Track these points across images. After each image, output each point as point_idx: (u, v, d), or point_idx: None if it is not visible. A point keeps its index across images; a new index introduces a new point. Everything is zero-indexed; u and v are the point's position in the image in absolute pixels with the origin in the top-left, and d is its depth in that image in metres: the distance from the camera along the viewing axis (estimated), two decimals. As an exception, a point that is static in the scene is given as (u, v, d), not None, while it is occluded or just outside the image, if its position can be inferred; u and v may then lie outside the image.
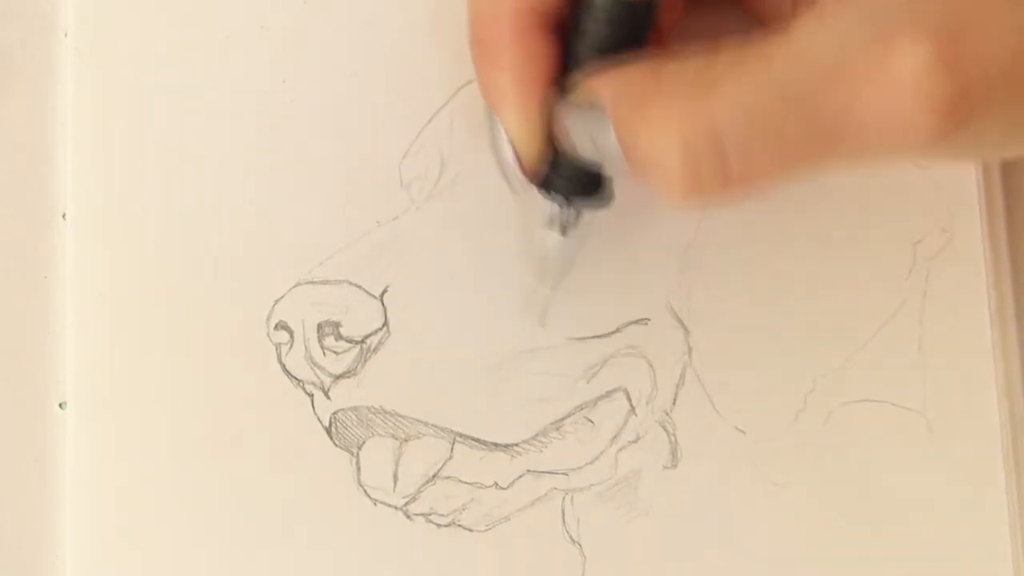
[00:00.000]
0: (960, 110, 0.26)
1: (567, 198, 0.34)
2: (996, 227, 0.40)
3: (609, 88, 0.30)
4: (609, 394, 0.38)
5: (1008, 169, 0.40)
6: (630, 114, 0.29)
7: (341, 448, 0.38)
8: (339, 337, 0.38)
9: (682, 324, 0.38)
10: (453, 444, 0.38)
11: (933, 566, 0.38)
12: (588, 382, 0.38)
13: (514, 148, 0.33)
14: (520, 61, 0.31)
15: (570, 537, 0.38)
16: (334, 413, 0.38)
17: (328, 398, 0.38)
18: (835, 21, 0.27)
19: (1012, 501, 0.38)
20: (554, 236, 0.35)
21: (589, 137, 0.31)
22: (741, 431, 0.38)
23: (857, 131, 0.27)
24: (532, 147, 0.33)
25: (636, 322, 0.38)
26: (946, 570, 0.38)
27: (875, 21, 0.26)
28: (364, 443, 0.38)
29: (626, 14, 0.31)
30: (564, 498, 0.38)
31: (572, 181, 0.34)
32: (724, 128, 0.27)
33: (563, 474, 0.38)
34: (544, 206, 0.35)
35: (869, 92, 0.26)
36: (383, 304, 0.38)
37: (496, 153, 0.34)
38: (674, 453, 0.38)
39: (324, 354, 0.38)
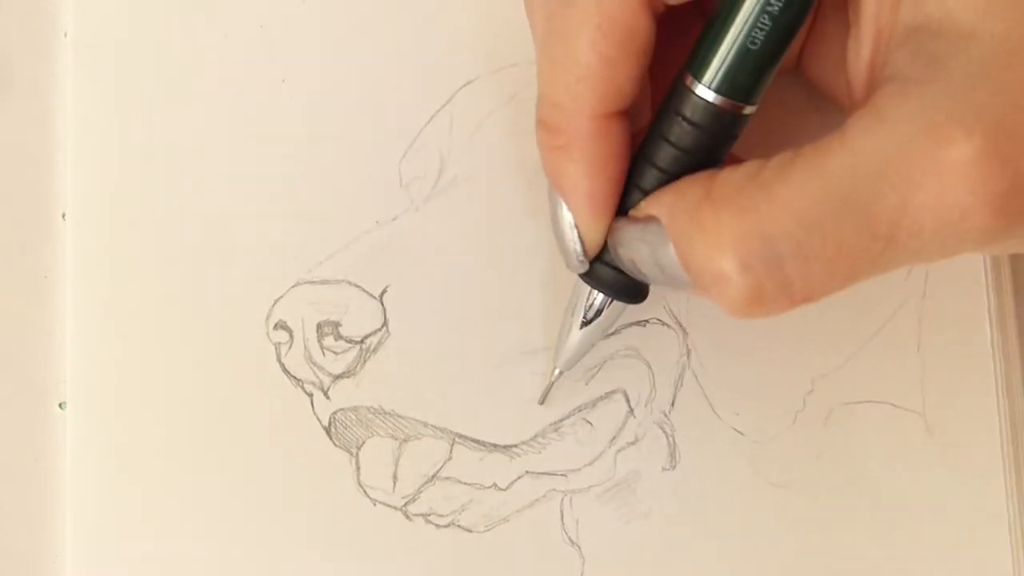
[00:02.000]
0: (1015, 203, 0.26)
1: (605, 292, 0.34)
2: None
3: (666, 201, 0.29)
4: (608, 395, 0.38)
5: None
6: (685, 227, 0.28)
7: (340, 448, 0.38)
8: (338, 337, 0.38)
9: (680, 325, 0.39)
10: (452, 445, 0.38)
11: (933, 566, 0.38)
12: (587, 383, 0.38)
13: (578, 231, 0.32)
14: (597, 157, 0.30)
15: (569, 538, 0.38)
16: (333, 413, 0.38)
17: (327, 398, 0.38)
18: (889, 121, 0.27)
19: (1012, 501, 0.38)
20: (577, 323, 0.35)
21: (650, 254, 0.30)
22: (740, 432, 0.38)
23: (913, 231, 0.26)
24: (598, 237, 0.32)
25: (635, 323, 0.38)
26: (946, 570, 0.38)
27: (929, 119, 0.26)
28: (364, 443, 0.38)
29: (712, 118, 0.30)
30: (563, 499, 0.38)
31: (616, 279, 0.33)
32: (777, 236, 0.27)
33: (562, 475, 0.38)
34: (577, 291, 0.35)
35: (924, 189, 0.26)
36: (382, 304, 0.38)
37: (555, 228, 0.33)
38: (673, 454, 0.38)
39: (323, 354, 0.38)
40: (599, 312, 0.35)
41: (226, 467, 0.38)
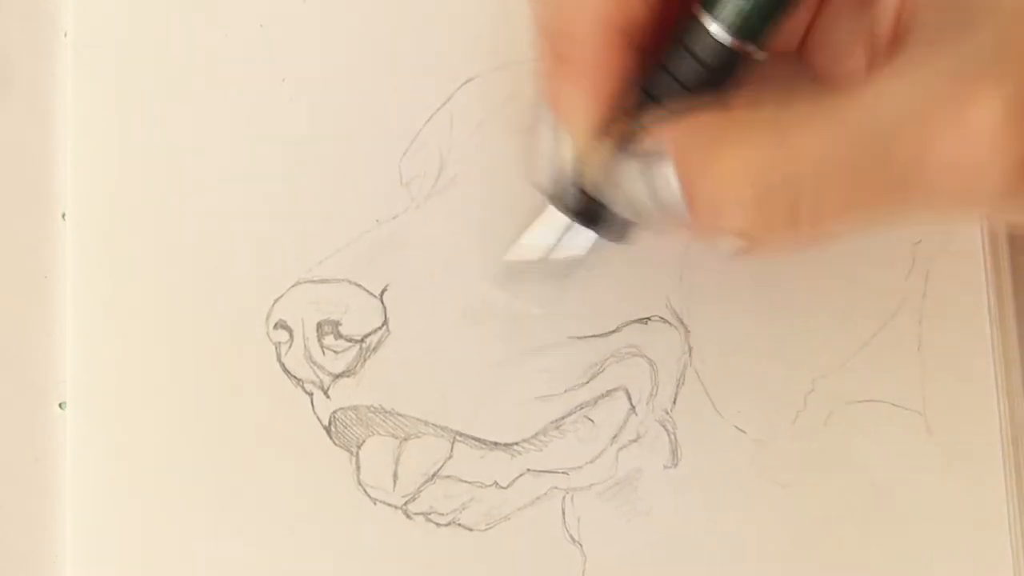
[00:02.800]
0: None
1: (578, 220, 0.33)
2: (996, 228, 0.40)
3: (675, 134, 0.30)
4: (609, 393, 0.38)
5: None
6: (699, 159, 0.29)
7: (341, 447, 0.38)
8: (339, 336, 0.38)
9: (682, 323, 0.39)
10: (453, 443, 0.38)
11: (933, 566, 0.38)
12: (588, 381, 0.38)
13: (570, 157, 0.32)
14: (601, 85, 0.31)
15: (570, 536, 0.38)
16: (334, 412, 0.38)
17: (328, 397, 0.38)
18: (914, 75, 0.27)
19: (1012, 501, 0.38)
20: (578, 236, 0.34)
21: (649, 188, 0.30)
22: (741, 431, 0.38)
23: (929, 181, 0.27)
24: (594, 165, 0.32)
25: (636, 321, 0.38)
26: (946, 570, 0.38)
27: (955, 75, 0.26)
28: (364, 442, 0.38)
29: (722, 58, 0.30)
30: (564, 497, 0.38)
31: (590, 209, 0.33)
32: (797, 173, 0.27)
33: (563, 473, 0.38)
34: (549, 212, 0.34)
35: (944, 142, 0.26)
36: (383, 303, 0.38)
37: (540, 149, 0.33)
38: (674, 452, 0.38)
39: (324, 353, 0.38)
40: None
41: (226, 467, 0.38)
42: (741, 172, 0.28)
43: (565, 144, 0.32)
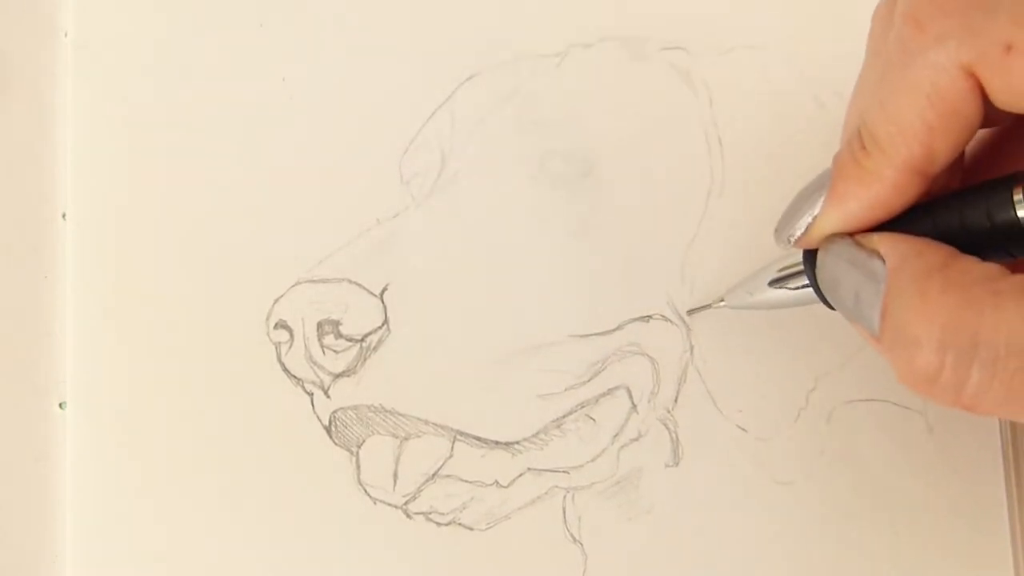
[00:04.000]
0: None
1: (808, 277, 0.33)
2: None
3: (902, 249, 0.29)
4: (611, 391, 0.38)
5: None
6: (908, 284, 0.28)
7: (341, 447, 0.38)
8: (339, 336, 0.38)
9: (684, 322, 0.38)
10: (453, 442, 0.38)
11: (933, 566, 0.38)
12: (590, 379, 0.38)
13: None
14: (880, 199, 0.30)
15: (571, 535, 0.37)
16: (334, 412, 0.38)
17: (328, 397, 0.38)
18: None
19: (1012, 501, 0.38)
20: (767, 276, 0.35)
21: (854, 283, 0.30)
22: (743, 429, 0.38)
23: None
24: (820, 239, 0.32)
25: (638, 319, 0.38)
26: (946, 570, 0.38)
27: None
28: (364, 442, 0.38)
29: (1009, 236, 0.29)
30: (565, 496, 0.38)
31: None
32: (984, 343, 0.27)
33: (564, 472, 0.38)
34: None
35: None
36: (383, 302, 0.38)
37: (802, 212, 0.32)
38: (676, 451, 0.38)
39: (324, 353, 0.38)
40: (786, 281, 0.34)
41: (226, 467, 0.38)
42: (936, 314, 0.27)
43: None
